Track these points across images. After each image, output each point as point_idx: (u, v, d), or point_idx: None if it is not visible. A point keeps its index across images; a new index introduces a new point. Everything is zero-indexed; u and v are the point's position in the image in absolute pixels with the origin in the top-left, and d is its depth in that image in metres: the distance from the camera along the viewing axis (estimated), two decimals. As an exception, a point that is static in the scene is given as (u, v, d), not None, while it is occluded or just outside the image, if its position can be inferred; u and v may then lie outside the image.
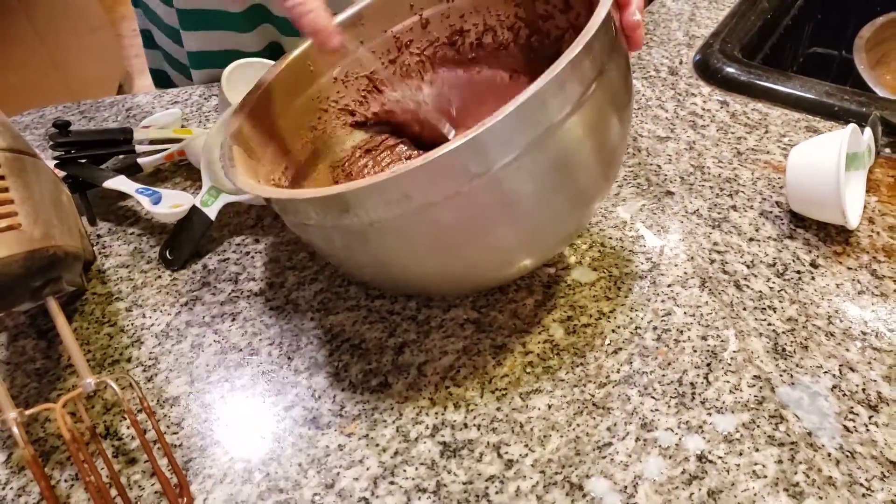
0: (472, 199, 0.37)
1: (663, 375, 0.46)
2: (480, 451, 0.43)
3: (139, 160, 0.63)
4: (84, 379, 0.42)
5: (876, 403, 0.44)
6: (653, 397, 0.45)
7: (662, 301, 0.51)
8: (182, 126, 0.71)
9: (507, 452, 0.43)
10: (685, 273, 0.53)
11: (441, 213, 0.38)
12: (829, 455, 0.42)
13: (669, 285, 0.52)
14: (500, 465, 0.43)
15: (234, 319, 0.53)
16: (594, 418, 0.44)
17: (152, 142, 0.65)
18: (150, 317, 0.54)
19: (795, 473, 0.41)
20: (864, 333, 0.48)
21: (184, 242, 0.57)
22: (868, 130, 0.57)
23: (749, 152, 0.62)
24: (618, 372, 0.47)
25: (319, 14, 0.43)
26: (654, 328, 0.49)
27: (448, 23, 0.56)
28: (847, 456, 0.42)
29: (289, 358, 0.50)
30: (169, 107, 0.75)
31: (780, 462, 0.41)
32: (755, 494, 0.40)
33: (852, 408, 0.44)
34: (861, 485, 0.40)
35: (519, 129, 0.36)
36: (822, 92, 0.65)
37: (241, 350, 0.51)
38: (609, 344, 0.49)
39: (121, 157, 0.66)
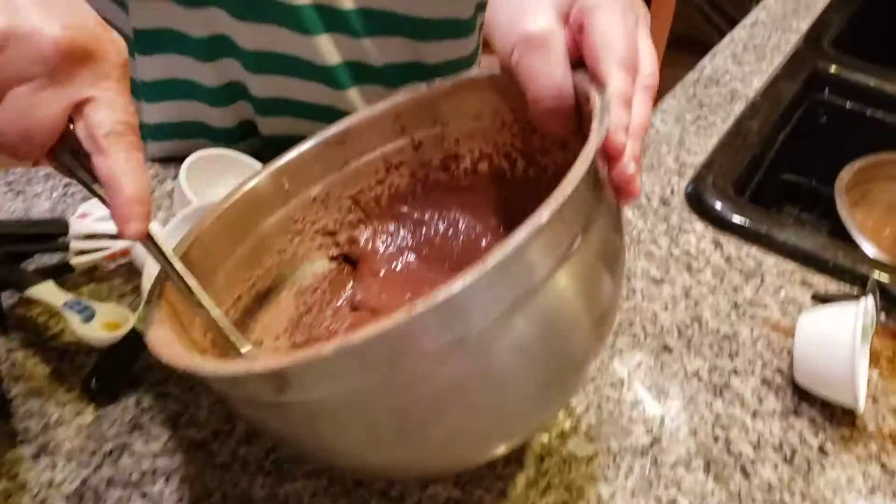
0: (438, 373, 0.31)
1: (671, 586, 0.41)
2: None
3: (72, 260, 0.54)
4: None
5: None
6: None
7: (666, 487, 0.46)
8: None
9: None
10: (688, 451, 0.48)
11: (401, 390, 0.31)
12: None
13: (672, 466, 0.47)
14: None
15: (167, 480, 0.44)
16: None
17: (89, 236, 0.57)
18: (63, 469, 0.45)
19: None
20: (881, 542, 0.44)
21: (115, 370, 0.49)
22: (870, 298, 0.54)
23: (747, 305, 0.59)
24: (621, 579, 0.41)
25: (141, 179, 0.34)
26: (658, 522, 0.44)
27: (442, 147, 0.50)
28: None
29: (234, 536, 0.42)
30: (109, 190, 0.66)
31: None
32: None
33: None
34: None
35: (494, 292, 0.30)
36: (818, 245, 0.62)
37: (175, 522, 0.42)
38: (610, 540, 0.43)
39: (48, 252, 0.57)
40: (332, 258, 0.51)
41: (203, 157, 0.60)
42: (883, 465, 0.48)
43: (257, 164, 0.62)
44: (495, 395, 0.34)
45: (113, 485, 0.44)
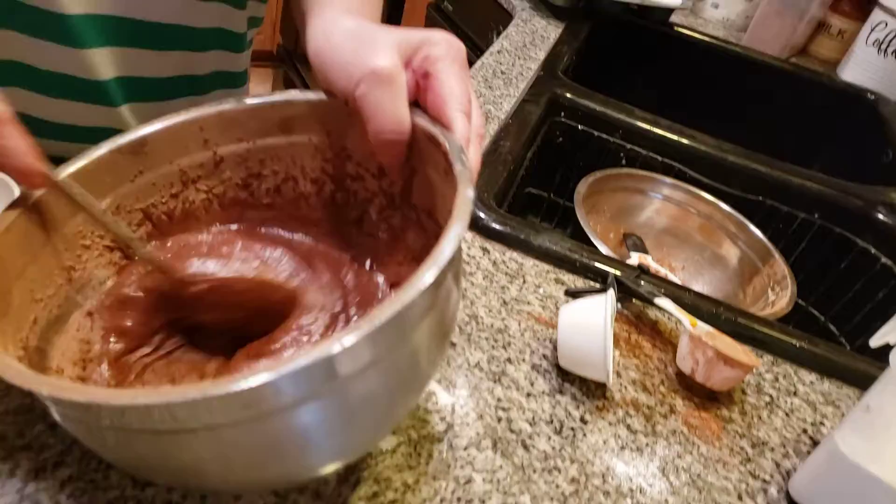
0: (292, 417, 0.33)
1: (473, 553, 0.46)
2: None
3: None
4: None
5: (651, 561, 0.49)
6: (467, 581, 0.44)
7: (462, 467, 0.51)
8: None
9: None
10: (477, 434, 0.54)
11: (257, 432, 0.33)
12: None
13: (465, 448, 0.52)
14: None
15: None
16: None
17: None
18: None
19: None
20: (631, 490, 0.53)
21: None
22: (611, 291, 0.65)
23: (514, 302, 0.67)
24: (430, 555, 0.45)
25: (18, 152, 0.38)
26: (458, 499, 0.49)
27: (245, 165, 0.51)
28: None
29: (30, 581, 0.39)
30: None
31: None
32: None
33: (635, 568, 0.48)
34: None
35: (355, 353, 0.32)
36: (566, 248, 0.73)
37: (-46, 577, 0.38)
38: (418, 522, 0.47)
39: None
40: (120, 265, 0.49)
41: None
42: (628, 426, 0.58)
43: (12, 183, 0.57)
44: (345, 431, 0.37)
45: None
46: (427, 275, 0.34)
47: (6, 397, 0.47)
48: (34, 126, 0.65)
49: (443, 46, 0.45)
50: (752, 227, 0.96)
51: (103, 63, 0.59)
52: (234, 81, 0.73)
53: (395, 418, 0.45)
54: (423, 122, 0.44)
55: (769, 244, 0.93)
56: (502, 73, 1.12)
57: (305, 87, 2.51)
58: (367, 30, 0.46)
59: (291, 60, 2.79)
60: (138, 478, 0.44)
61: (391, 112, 0.43)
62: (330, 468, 0.42)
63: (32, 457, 0.44)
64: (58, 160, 0.64)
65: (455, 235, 0.36)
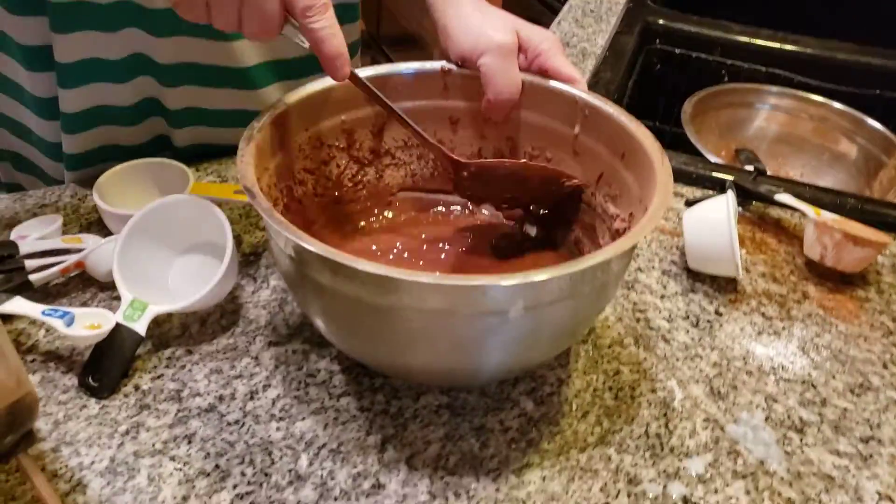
0: (506, 323, 0.42)
1: (631, 431, 0.51)
2: (493, 536, 0.44)
3: (31, 277, 0.56)
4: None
5: (801, 427, 0.52)
6: (629, 453, 0.49)
7: (608, 362, 0.56)
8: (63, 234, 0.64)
9: (518, 532, 0.44)
10: (619, 334, 0.58)
11: (487, 326, 0.42)
12: (783, 479, 0.48)
13: (609, 346, 0.57)
14: (516, 546, 0.44)
15: (190, 442, 0.49)
16: (586, 482, 0.47)
17: (41, 253, 0.58)
18: (86, 454, 0.48)
19: (763, 500, 0.47)
20: (773, 368, 0.56)
21: (111, 365, 0.52)
22: (731, 192, 0.67)
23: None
24: (592, 434, 0.50)
25: (341, 40, 0.46)
26: (609, 388, 0.54)
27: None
28: (795, 477, 0.49)
29: (265, 475, 0.47)
30: (37, 212, 0.67)
31: (748, 492, 0.47)
32: (740, 526, 0.45)
33: (785, 434, 0.51)
34: (813, 500, 0.47)
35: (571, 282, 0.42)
36: (681, 162, 0.75)
37: (208, 475, 0.47)
38: (577, 409, 0.52)
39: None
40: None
41: (115, 174, 0.63)
42: (763, 314, 0.61)
43: (175, 164, 0.66)
44: (534, 343, 0.46)
45: (141, 456, 0.47)
46: (641, 232, 0.43)
47: (215, 339, 0.56)
48: (198, 116, 0.75)
49: (550, 42, 0.56)
50: (871, 121, 0.94)
51: (247, 51, 0.67)
52: (352, 52, 0.79)
53: (575, 339, 0.56)
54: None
55: (891, 135, 0.91)
56: (591, 11, 1.14)
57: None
58: (489, 10, 0.57)
59: (378, 45, 2.87)
60: (350, 352, 0.51)
61: (510, 78, 0.55)
62: (509, 374, 0.52)
63: (245, 383, 0.53)
64: (217, 149, 0.73)
65: (664, 202, 0.45)
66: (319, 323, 0.49)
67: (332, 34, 0.46)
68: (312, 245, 0.40)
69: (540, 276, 0.39)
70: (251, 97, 0.71)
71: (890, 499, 0.48)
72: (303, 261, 0.44)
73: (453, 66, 0.58)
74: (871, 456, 0.50)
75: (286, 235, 0.41)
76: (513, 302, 0.41)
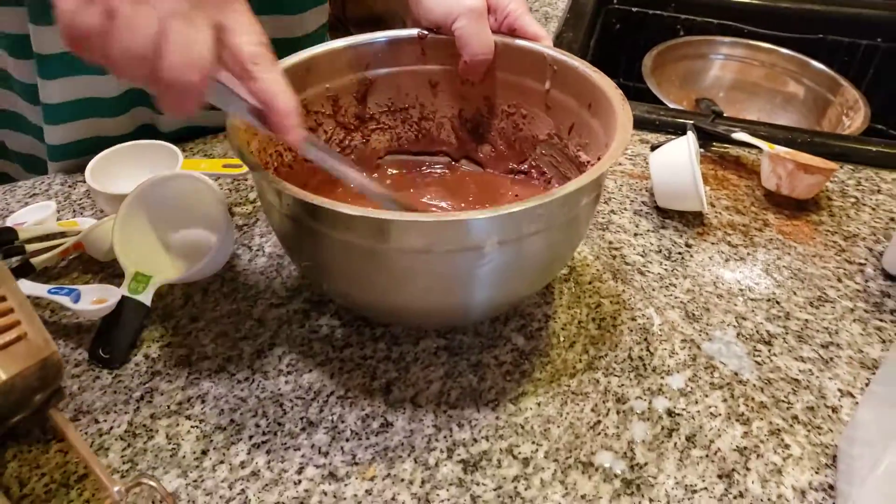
0: (485, 258, 0.45)
1: (616, 356, 0.55)
2: (497, 458, 0.48)
3: (32, 260, 0.58)
4: (112, 487, 0.39)
5: (768, 339, 0.57)
6: (615, 375, 0.53)
7: (590, 296, 0.60)
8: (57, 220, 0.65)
9: (520, 453, 0.48)
10: (597, 270, 0.62)
11: (468, 261, 0.45)
12: (755, 385, 0.53)
13: (590, 282, 0.61)
14: (519, 465, 0.47)
15: (203, 401, 0.51)
16: (578, 404, 0.51)
17: (39, 237, 0.60)
18: (104, 420, 0.50)
19: (738, 406, 0.51)
20: (741, 290, 0.61)
21: (119, 336, 0.54)
22: (691, 133, 0.71)
23: (604, 166, 0.74)
24: (580, 361, 0.54)
25: (293, 94, 0.40)
26: (593, 319, 0.58)
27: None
28: (766, 383, 0.53)
29: (279, 424, 0.50)
30: (28, 201, 0.68)
31: (725, 400, 0.52)
32: (718, 429, 0.50)
33: (755, 347, 0.56)
34: (783, 401, 0.52)
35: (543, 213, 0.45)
36: (644, 111, 0.79)
37: (224, 429, 0.50)
38: (564, 340, 0.56)
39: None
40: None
41: (105, 157, 0.65)
42: (728, 243, 0.65)
43: (163, 145, 0.68)
44: (522, 275, 0.49)
45: (157, 417, 0.50)
46: (603, 166, 0.46)
47: (218, 305, 0.58)
48: None
49: (517, 3, 0.58)
50: (815, 63, 0.99)
51: None
52: (322, 38, 0.82)
53: (553, 273, 0.58)
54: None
55: (835, 74, 0.96)
56: (546, -24, 1.17)
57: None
58: None
59: (346, 26, 2.87)
60: (346, 300, 0.54)
61: (484, 38, 0.58)
62: (499, 309, 0.55)
63: (251, 343, 0.56)
64: (202, 130, 0.75)
65: (624, 140, 0.48)
66: (317, 275, 0.52)
67: (284, 88, 0.40)
68: (294, 191, 0.43)
69: (513, 208, 0.42)
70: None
71: (850, 394, 0.52)
72: (293, 213, 0.47)
73: (428, 33, 0.60)
74: (831, 359, 0.55)
75: (262, 182, 0.45)
76: (489, 236, 0.44)
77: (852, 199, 0.70)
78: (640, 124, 0.79)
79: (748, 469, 0.47)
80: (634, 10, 1.10)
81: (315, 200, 0.42)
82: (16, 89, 0.70)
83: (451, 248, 0.44)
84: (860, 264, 0.63)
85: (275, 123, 0.40)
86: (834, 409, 0.51)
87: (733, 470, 0.47)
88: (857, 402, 0.52)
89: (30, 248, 0.60)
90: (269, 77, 0.39)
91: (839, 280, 0.62)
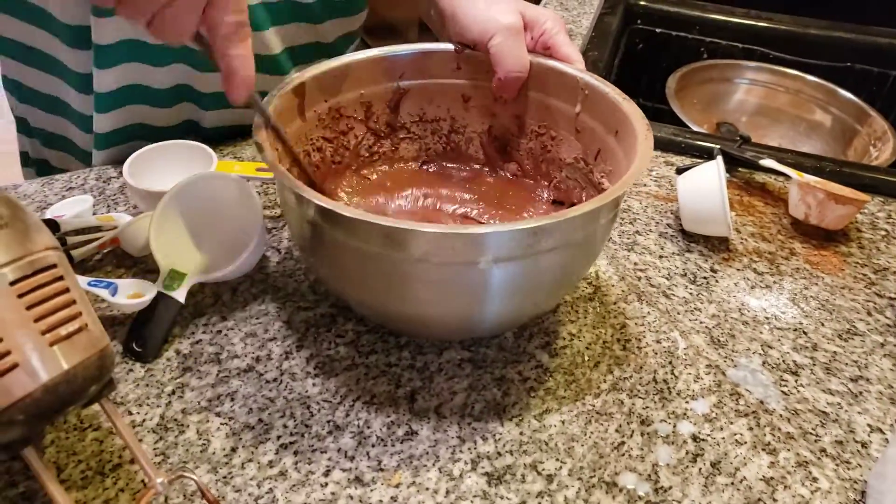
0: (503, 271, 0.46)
1: (640, 378, 0.55)
2: (521, 473, 0.48)
3: (72, 252, 0.59)
4: (155, 479, 0.40)
5: (795, 369, 0.57)
6: (640, 397, 0.54)
7: (615, 317, 0.60)
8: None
9: (544, 469, 0.49)
10: (623, 291, 0.63)
11: (486, 272, 0.45)
12: (781, 416, 0.53)
13: (615, 303, 0.61)
14: (543, 482, 0.48)
15: (233, 399, 0.52)
16: (602, 424, 0.52)
17: (79, 230, 0.61)
18: (138, 412, 0.51)
19: (765, 435, 0.52)
20: (767, 318, 0.61)
21: (153, 331, 0.55)
22: (720, 158, 0.72)
23: (633, 185, 0.74)
24: (605, 381, 0.55)
25: (252, 71, 0.46)
26: (618, 340, 0.58)
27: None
28: (793, 413, 0.53)
29: (306, 425, 0.51)
30: (65, 194, 0.69)
31: (751, 429, 0.52)
32: (744, 457, 0.50)
33: (781, 376, 0.56)
34: (810, 433, 0.52)
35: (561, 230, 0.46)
36: (670, 133, 0.80)
37: (253, 427, 0.50)
38: (588, 360, 0.56)
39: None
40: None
41: (141, 155, 0.66)
42: (754, 270, 0.66)
43: (198, 146, 0.69)
44: (534, 290, 0.50)
45: (188, 413, 0.51)
46: (622, 187, 0.46)
47: (247, 305, 0.59)
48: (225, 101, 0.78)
49: (553, 22, 0.60)
50: (843, 91, 0.99)
51: (273, 40, 0.71)
52: (352, 39, 0.83)
53: (570, 287, 0.59)
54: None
55: (863, 104, 0.97)
56: (575, -7, 1.18)
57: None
58: None
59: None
60: (362, 307, 0.55)
61: (520, 56, 0.58)
62: (513, 323, 0.55)
63: (279, 344, 0.56)
64: (239, 129, 0.76)
65: (646, 158, 0.49)
66: (332, 280, 0.53)
67: (245, 64, 0.46)
68: (306, 193, 0.44)
69: (530, 224, 0.43)
70: (276, 81, 0.74)
71: (880, 430, 0.53)
72: (305, 213, 0.47)
73: (466, 48, 0.61)
74: (860, 393, 0.55)
75: (282, 182, 0.46)
76: (497, 250, 0.44)
77: (882, 232, 0.70)
78: (665, 146, 0.80)
79: (775, 500, 0.47)
80: (658, 31, 1.11)
81: (325, 203, 0.43)
82: (67, 78, 0.71)
83: (458, 259, 0.45)
84: (891, 298, 0.63)
85: (229, 88, 0.47)
86: (863, 444, 0.52)
87: (759, 500, 0.47)
88: (886, 439, 0.52)
89: (69, 240, 0.61)
90: (232, 51, 0.45)
91: (868, 314, 0.62)
